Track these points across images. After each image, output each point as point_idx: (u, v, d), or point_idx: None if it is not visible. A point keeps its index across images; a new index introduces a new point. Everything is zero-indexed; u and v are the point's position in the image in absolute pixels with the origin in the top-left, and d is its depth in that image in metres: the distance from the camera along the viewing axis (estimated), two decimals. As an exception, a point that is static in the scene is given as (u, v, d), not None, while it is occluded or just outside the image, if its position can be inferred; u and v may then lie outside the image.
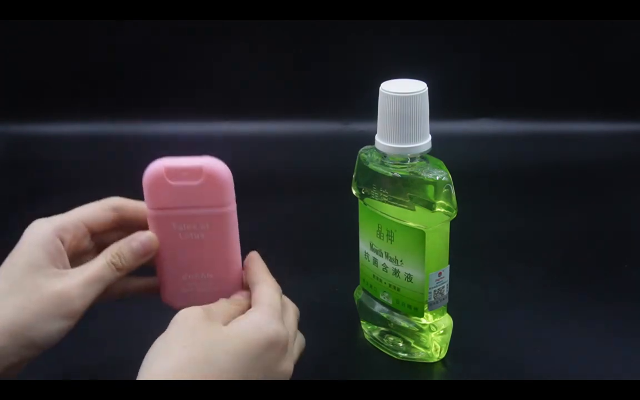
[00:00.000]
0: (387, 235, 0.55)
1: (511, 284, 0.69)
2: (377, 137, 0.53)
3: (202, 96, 1.06)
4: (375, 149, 0.54)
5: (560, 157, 1.00)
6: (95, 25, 0.99)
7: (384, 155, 0.53)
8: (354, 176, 0.57)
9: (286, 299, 0.53)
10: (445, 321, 0.57)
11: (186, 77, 1.06)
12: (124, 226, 0.53)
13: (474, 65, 1.03)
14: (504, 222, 0.82)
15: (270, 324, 0.46)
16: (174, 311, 0.46)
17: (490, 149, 1.01)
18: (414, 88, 0.51)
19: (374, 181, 0.55)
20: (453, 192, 0.53)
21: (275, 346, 0.46)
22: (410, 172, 0.52)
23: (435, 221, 0.53)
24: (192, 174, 0.52)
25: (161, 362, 0.42)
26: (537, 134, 1.04)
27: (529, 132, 1.04)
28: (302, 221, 0.84)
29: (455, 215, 0.54)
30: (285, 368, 0.47)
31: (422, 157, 0.53)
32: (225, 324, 0.46)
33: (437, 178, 0.52)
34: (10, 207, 0.89)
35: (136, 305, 0.56)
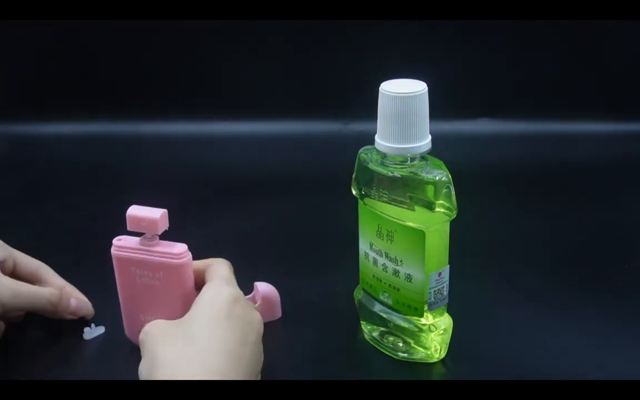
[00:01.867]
0: (387, 235, 0.55)
1: (511, 284, 0.69)
2: (377, 137, 0.53)
3: (202, 96, 1.06)
4: (375, 149, 0.54)
5: (561, 157, 1.00)
6: (95, 25, 0.99)
7: (384, 155, 0.53)
8: (353, 176, 0.57)
9: None
10: (445, 321, 0.57)
11: (186, 77, 1.06)
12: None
13: (474, 65, 1.03)
14: (504, 222, 0.82)
15: (222, 288, 0.50)
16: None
17: (490, 149, 1.01)
18: (413, 88, 0.51)
19: (374, 181, 0.55)
20: (453, 192, 0.53)
21: (236, 301, 0.49)
22: (410, 172, 0.52)
23: (435, 221, 0.53)
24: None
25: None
26: (537, 134, 1.04)
27: (529, 132, 1.03)
28: (302, 221, 0.84)
29: (455, 216, 0.54)
30: (256, 315, 0.51)
31: (422, 157, 0.53)
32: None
33: (437, 178, 0.52)
34: (10, 207, 0.89)
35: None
